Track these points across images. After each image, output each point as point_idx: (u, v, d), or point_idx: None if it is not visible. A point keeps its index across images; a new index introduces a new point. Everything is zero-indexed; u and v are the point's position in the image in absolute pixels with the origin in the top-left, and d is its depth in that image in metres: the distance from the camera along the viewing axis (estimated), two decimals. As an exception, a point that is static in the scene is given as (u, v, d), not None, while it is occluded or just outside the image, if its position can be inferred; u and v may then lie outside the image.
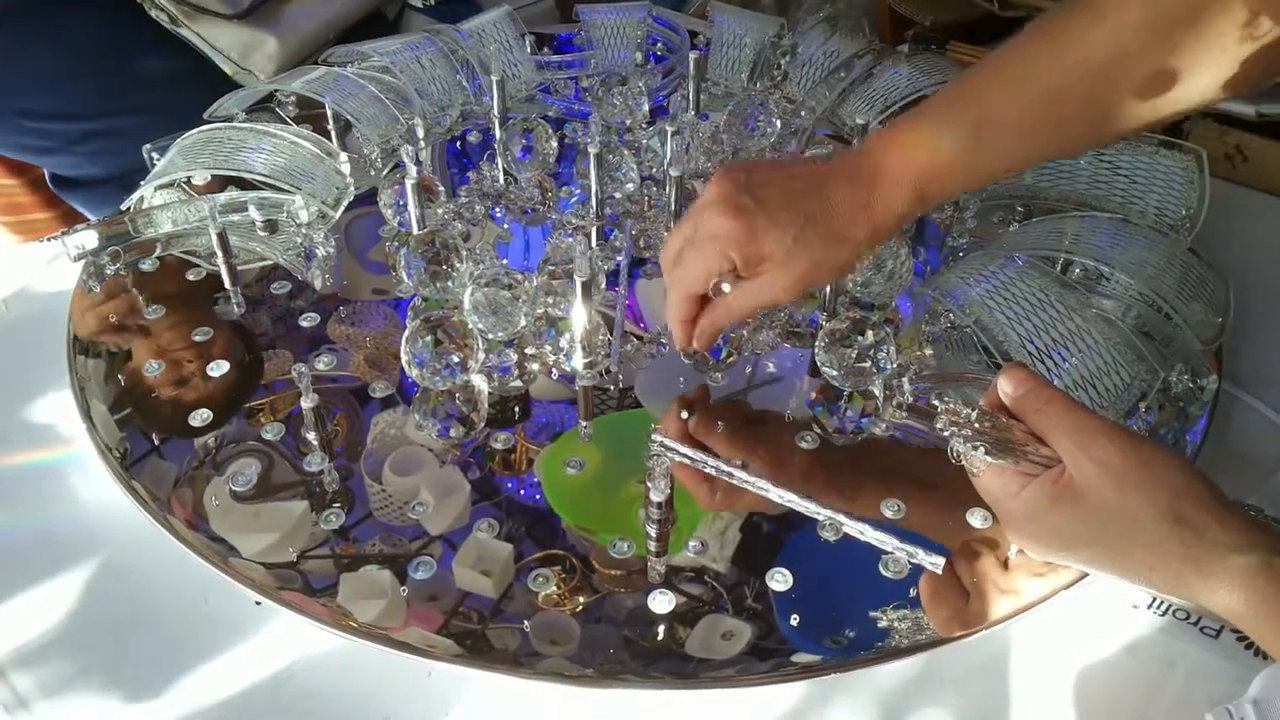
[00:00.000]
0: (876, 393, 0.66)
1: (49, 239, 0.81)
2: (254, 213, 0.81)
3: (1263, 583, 0.48)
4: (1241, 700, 0.51)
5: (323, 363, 0.75)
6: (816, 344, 0.67)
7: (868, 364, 0.66)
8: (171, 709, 0.57)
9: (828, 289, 0.74)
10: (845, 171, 0.64)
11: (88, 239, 0.81)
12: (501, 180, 0.91)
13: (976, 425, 0.54)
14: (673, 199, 0.76)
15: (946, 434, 0.55)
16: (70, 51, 1.05)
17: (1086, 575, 0.59)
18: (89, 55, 1.05)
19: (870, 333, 0.66)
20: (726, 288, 0.66)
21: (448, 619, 0.60)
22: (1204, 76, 0.58)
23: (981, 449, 0.54)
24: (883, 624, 0.59)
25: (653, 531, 0.61)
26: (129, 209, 0.85)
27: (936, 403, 0.56)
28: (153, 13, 1.06)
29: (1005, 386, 0.55)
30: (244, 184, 0.85)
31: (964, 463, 0.56)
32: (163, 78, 1.07)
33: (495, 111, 0.92)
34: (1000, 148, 0.63)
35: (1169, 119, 0.61)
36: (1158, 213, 0.79)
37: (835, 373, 0.67)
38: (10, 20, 1.03)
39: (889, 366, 0.66)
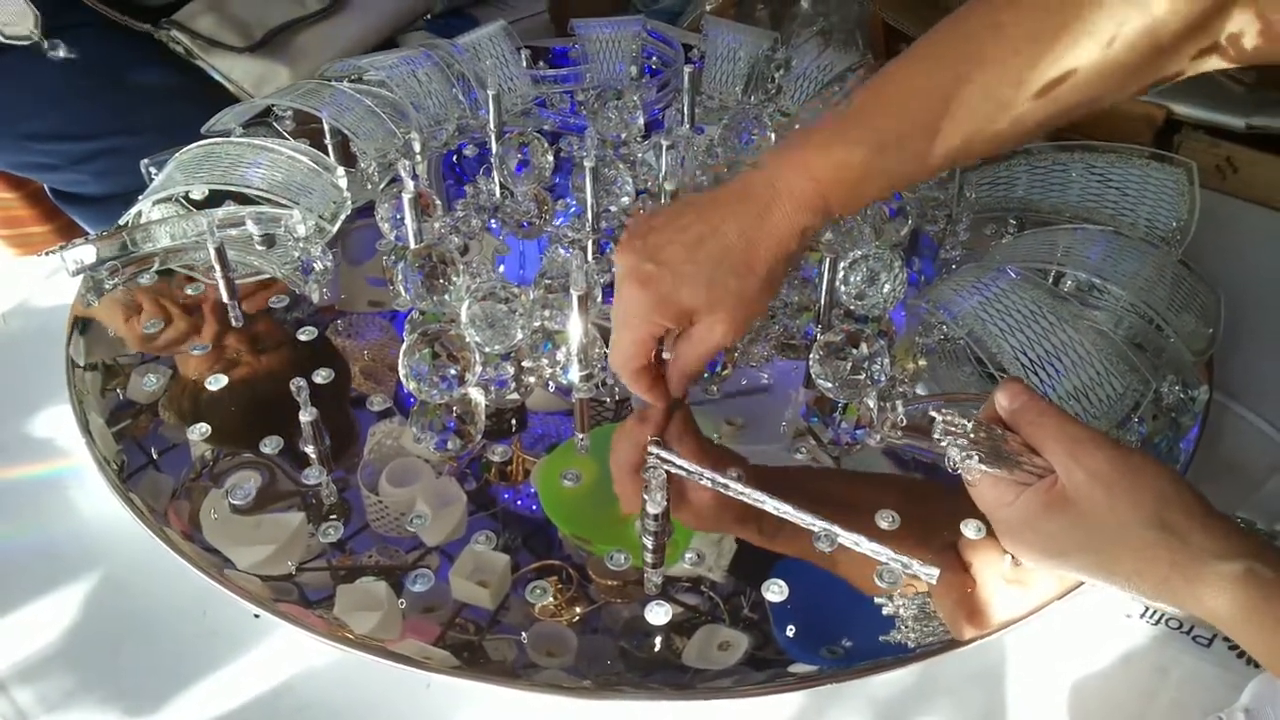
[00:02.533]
0: (871, 405, 0.67)
1: (47, 253, 0.82)
2: (251, 227, 0.81)
3: (1245, 589, 0.48)
4: (1233, 708, 0.51)
5: (320, 376, 0.75)
6: (811, 356, 0.68)
7: (862, 376, 0.67)
8: (170, 722, 0.58)
9: (821, 301, 0.75)
10: (738, 200, 0.64)
11: (86, 253, 0.81)
12: (498, 194, 0.92)
13: (972, 436, 0.55)
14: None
15: (944, 443, 0.56)
16: (70, 72, 1.05)
17: (1080, 585, 0.60)
18: (89, 75, 1.06)
19: (864, 345, 0.67)
20: (666, 355, 0.67)
21: (444, 630, 0.60)
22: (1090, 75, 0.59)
23: (976, 458, 0.55)
24: (879, 634, 0.59)
25: (649, 543, 0.61)
26: (127, 223, 0.85)
27: (935, 414, 0.56)
28: (172, 46, 1.08)
29: (1001, 400, 0.57)
30: (242, 198, 0.86)
31: (960, 472, 0.57)
32: (163, 94, 1.08)
33: (491, 126, 0.92)
34: (906, 151, 0.63)
35: (1065, 117, 0.62)
36: (1149, 225, 0.80)
37: (830, 385, 0.68)
38: (10, 44, 1.03)
39: (883, 379, 0.67)
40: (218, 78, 1.08)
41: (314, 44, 1.11)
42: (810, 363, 0.68)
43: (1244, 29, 0.58)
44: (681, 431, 0.71)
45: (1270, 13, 0.57)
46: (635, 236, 0.65)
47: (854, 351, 0.67)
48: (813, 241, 0.68)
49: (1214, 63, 0.61)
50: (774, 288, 0.67)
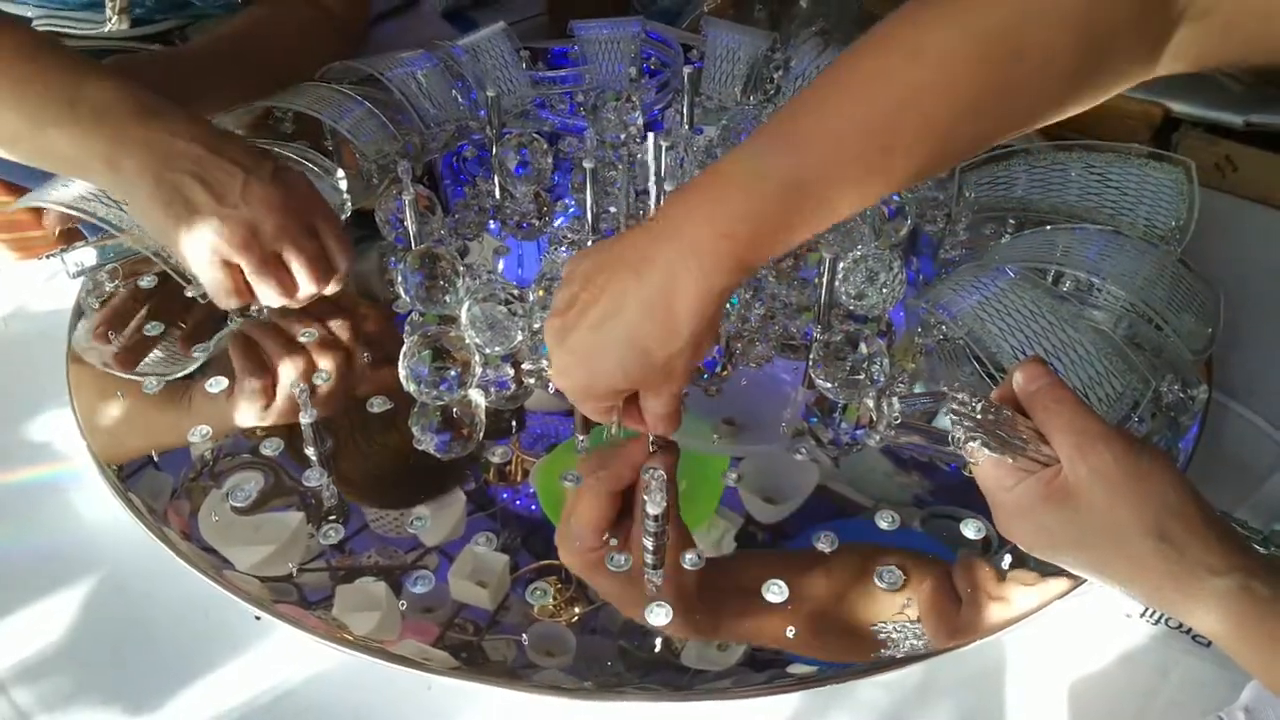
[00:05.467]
0: (870, 404, 0.67)
1: (47, 256, 0.82)
2: None
3: (1239, 605, 0.48)
4: (1233, 708, 0.51)
5: (321, 378, 0.75)
6: (811, 357, 0.68)
7: (862, 376, 0.67)
8: (170, 723, 0.58)
9: (820, 301, 0.75)
10: (640, 268, 0.57)
11: (86, 256, 0.81)
12: (497, 195, 0.92)
13: (980, 418, 0.55)
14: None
15: (951, 421, 0.56)
16: None
17: (1079, 586, 0.60)
18: None
19: (864, 345, 0.67)
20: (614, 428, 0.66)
21: (444, 631, 0.60)
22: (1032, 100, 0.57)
23: (980, 441, 0.55)
24: (878, 634, 0.59)
25: (649, 544, 0.61)
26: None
27: (946, 390, 0.56)
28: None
29: (1019, 379, 0.56)
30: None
31: (964, 452, 0.56)
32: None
33: (491, 127, 0.92)
34: (831, 193, 0.57)
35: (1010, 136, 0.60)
36: (1148, 224, 0.80)
37: (830, 385, 0.67)
38: None
39: (883, 379, 0.67)
40: None
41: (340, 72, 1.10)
42: (810, 363, 0.68)
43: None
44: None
45: None
46: (554, 316, 0.61)
47: (854, 352, 0.67)
48: (813, 242, 0.66)
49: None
50: (701, 347, 0.60)
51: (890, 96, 0.56)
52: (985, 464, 0.56)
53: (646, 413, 0.64)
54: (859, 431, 0.70)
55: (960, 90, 0.55)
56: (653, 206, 0.75)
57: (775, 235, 0.57)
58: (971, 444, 0.55)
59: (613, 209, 0.88)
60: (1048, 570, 0.61)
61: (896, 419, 0.63)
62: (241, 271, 0.72)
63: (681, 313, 0.57)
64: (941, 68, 0.55)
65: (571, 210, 0.91)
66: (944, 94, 0.55)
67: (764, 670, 0.58)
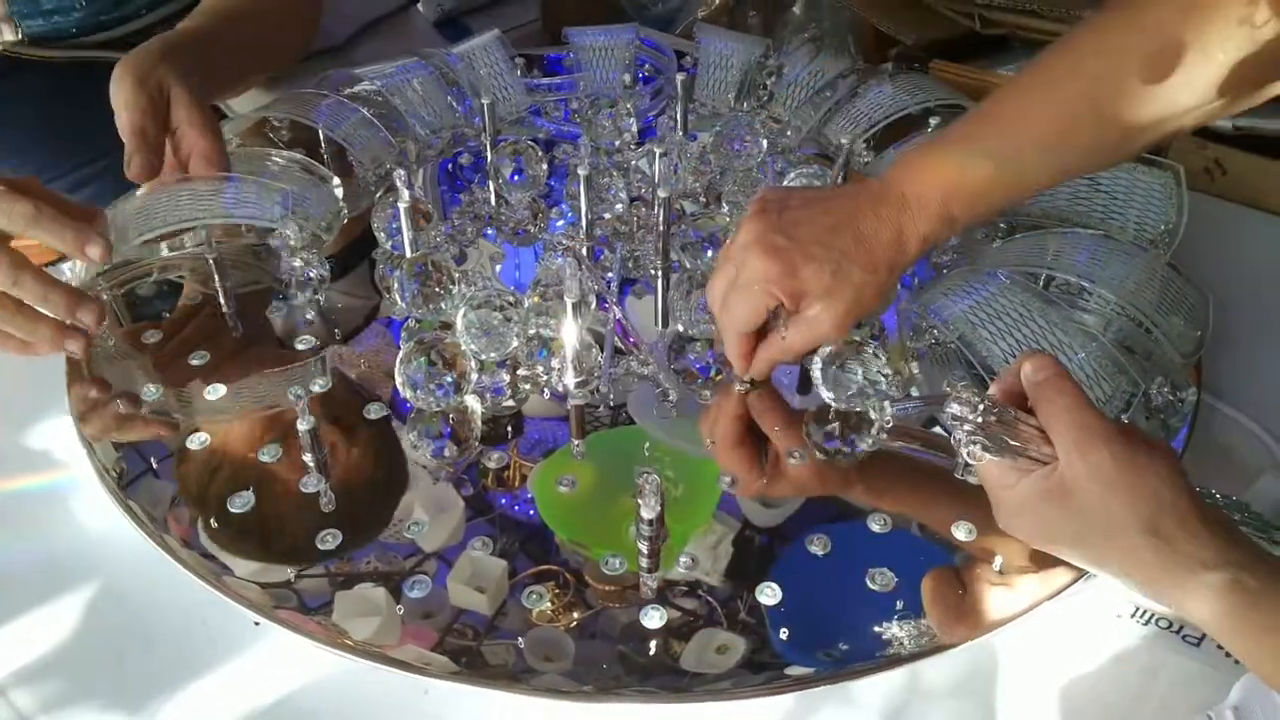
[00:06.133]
0: (873, 414, 0.67)
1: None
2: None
3: (1229, 599, 0.49)
4: (1222, 706, 0.52)
5: (318, 385, 0.76)
6: (812, 364, 0.68)
7: (864, 384, 0.67)
8: (171, 729, 0.58)
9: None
10: (872, 201, 0.66)
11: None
12: (493, 202, 0.92)
13: (981, 420, 0.55)
14: (661, 219, 0.77)
15: (950, 424, 0.56)
16: (54, 102, 1.06)
17: (1070, 586, 0.61)
18: (74, 103, 1.06)
19: (866, 352, 0.67)
20: (784, 333, 0.68)
21: (442, 636, 0.60)
22: (1207, 79, 0.60)
23: (979, 445, 0.55)
24: (873, 635, 0.60)
25: (644, 548, 0.61)
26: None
27: (949, 388, 0.57)
28: None
29: (1027, 368, 0.57)
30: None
31: (964, 455, 0.57)
32: None
33: (486, 134, 0.93)
34: (1025, 165, 0.66)
35: (1176, 129, 0.64)
36: (1137, 228, 0.81)
37: (831, 394, 0.67)
38: None
39: (885, 387, 0.67)
40: (222, 107, 1.09)
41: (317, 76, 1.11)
42: (811, 371, 0.68)
43: None
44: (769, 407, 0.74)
45: None
46: (769, 209, 0.67)
47: (855, 359, 0.66)
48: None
49: None
50: (888, 292, 0.69)
51: (1074, 85, 0.64)
52: (987, 462, 0.57)
53: (777, 343, 0.68)
54: (855, 438, 0.70)
55: (1128, 82, 0.61)
56: (657, 211, 0.76)
57: (980, 193, 0.66)
58: (972, 447, 0.56)
59: (607, 215, 0.88)
60: (1039, 571, 0.62)
61: (889, 423, 0.63)
62: None
63: (895, 246, 0.66)
64: (1115, 61, 0.62)
65: (566, 217, 0.92)
66: (1115, 84, 0.62)
67: (762, 672, 0.59)
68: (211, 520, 0.66)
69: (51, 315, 0.71)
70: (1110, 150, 0.67)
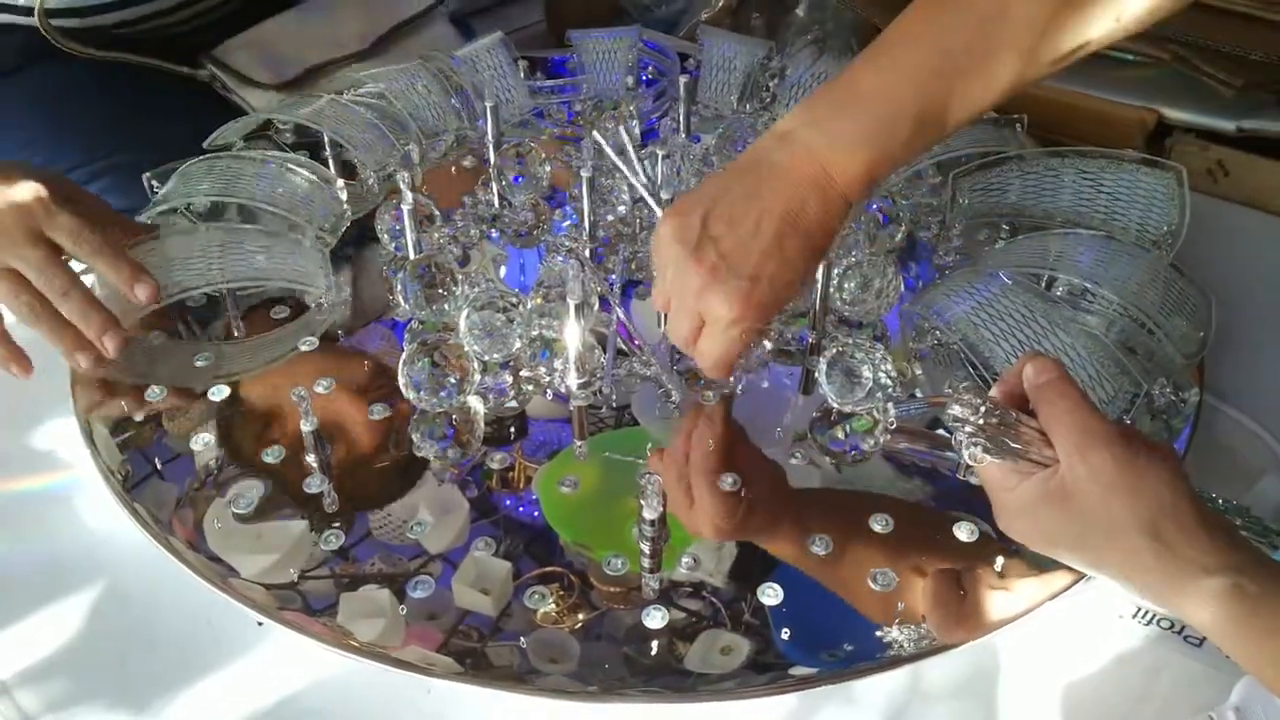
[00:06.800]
0: (877, 416, 0.67)
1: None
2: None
3: (1228, 603, 0.49)
4: (1223, 707, 0.52)
5: (322, 386, 0.76)
6: (817, 366, 0.67)
7: (871, 386, 0.67)
8: (176, 729, 0.58)
9: (816, 307, 0.75)
10: (795, 184, 0.63)
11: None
12: (496, 204, 0.93)
13: (983, 423, 0.55)
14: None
15: (950, 426, 0.56)
16: (76, 93, 1.06)
17: (1072, 587, 0.61)
18: (97, 94, 1.07)
19: (870, 353, 0.67)
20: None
21: (447, 637, 0.61)
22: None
23: (980, 448, 0.55)
24: (875, 636, 0.60)
25: (646, 548, 0.62)
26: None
27: (950, 390, 0.57)
28: (214, 84, 1.11)
29: (1029, 371, 0.56)
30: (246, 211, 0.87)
31: (965, 457, 0.57)
32: (172, 111, 1.09)
33: (489, 137, 0.93)
34: (924, 125, 0.63)
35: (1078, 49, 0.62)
36: (1140, 229, 0.81)
37: (836, 396, 0.67)
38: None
39: (891, 388, 0.67)
40: (245, 108, 1.10)
41: (344, 82, 1.11)
42: (816, 373, 0.68)
43: None
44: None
45: None
46: (691, 210, 0.64)
47: (859, 361, 0.66)
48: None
49: None
50: (812, 267, 0.67)
51: (973, 42, 0.61)
52: (988, 464, 0.57)
53: (709, 333, 0.65)
54: (857, 438, 0.70)
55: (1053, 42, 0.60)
56: (656, 210, 0.76)
57: (898, 156, 0.64)
58: (973, 449, 0.56)
59: (610, 217, 0.88)
60: (1041, 571, 0.62)
61: (892, 424, 0.63)
62: None
63: (814, 228, 0.63)
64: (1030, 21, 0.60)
65: (569, 219, 0.92)
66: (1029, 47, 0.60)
67: (765, 673, 0.59)
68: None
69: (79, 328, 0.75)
70: (1015, 81, 0.63)
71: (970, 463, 0.57)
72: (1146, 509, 0.51)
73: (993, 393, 0.58)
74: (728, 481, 0.67)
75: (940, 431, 0.71)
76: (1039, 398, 0.56)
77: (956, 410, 0.56)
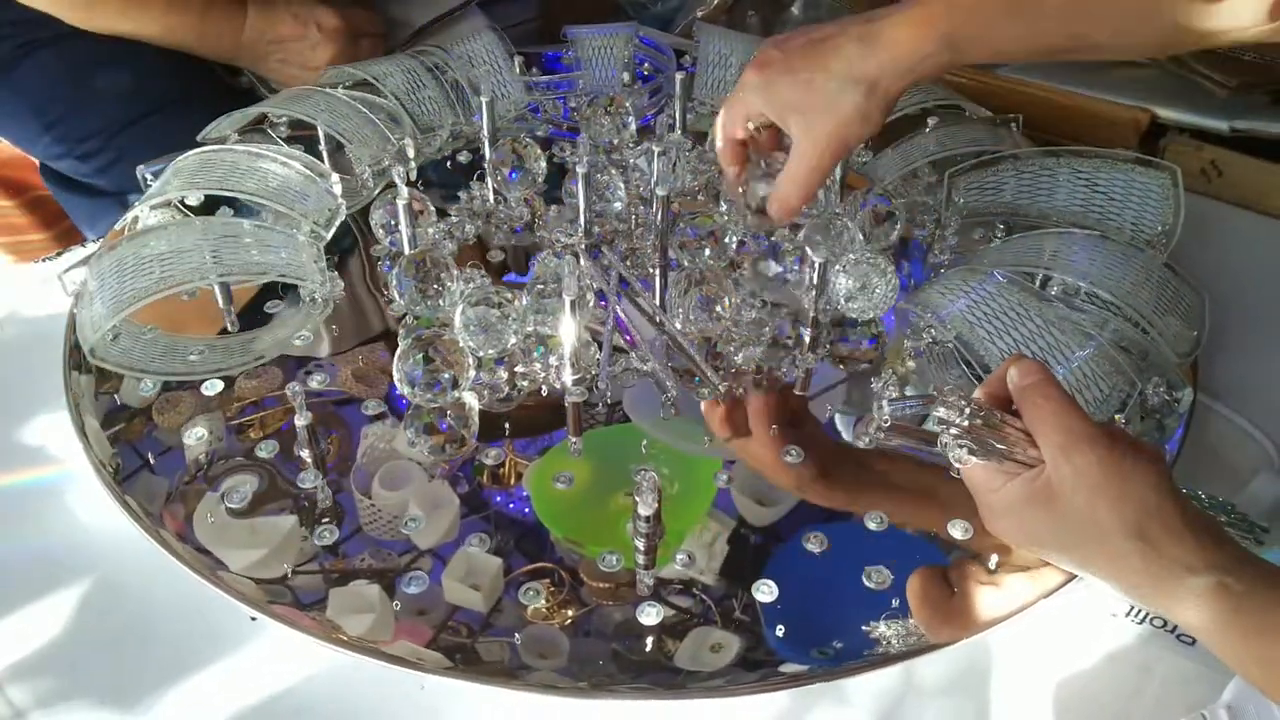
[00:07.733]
0: (873, 412, 0.67)
1: (45, 259, 0.82)
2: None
3: (1214, 602, 0.49)
4: (1215, 705, 0.52)
5: (315, 380, 0.76)
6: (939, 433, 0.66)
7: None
8: (166, 723, 0.58)
9: (813, 305, 0.75)
10: (872, 20, 0.68)
11: (84, 274, 0.81)
12: (491, 200, 0.92)
13: (968, 424, 0.55)
14: (659, 218, 0.77)
15: (937, 429, 0.56)
16: (95, 70, 1.06)
17: (1065, 585, 0.61)
18: (111, 73, 1.07)
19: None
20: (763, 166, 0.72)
21: (437, 633, 0.60)
22: None
23: (966, 449, 0.55)
24: (867, 633, 0.60)
25: (640, 545, 0.62)
26: (123, 229, 0.86)
27: (935, 392, 0.56)
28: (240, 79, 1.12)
29: (1013, 373, 0.56)
30: (237, 204, 0.86)
31: (950, 455, 0.57)
32: (181, 99, 1.08)
33: (485, 132, 0.93)
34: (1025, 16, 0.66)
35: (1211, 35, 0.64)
36: (1134, 228, 0.81)
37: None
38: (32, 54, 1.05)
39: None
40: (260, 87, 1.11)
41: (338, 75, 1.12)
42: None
43: None
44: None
45: None
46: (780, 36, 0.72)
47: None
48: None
49: None
50: (871, 117, 0.69)
51: None
52: (973, 466, 0.57)
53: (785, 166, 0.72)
54: (849, 435, 0.71)
55: None
56: (655, 210, 0.76)
57: (988, 26, 0.66)
58: (958, 450, 0.55)
59: (605, 213, 0.88)
60: (1033, 570, 0.62)
61: (886, 422, 0.63)
62: None
63: (881, 60, 0.67)
64: None
65: (565, 215, 0.92)
66: None
67: (756, 670, 0.59)
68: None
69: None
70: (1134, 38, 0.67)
71: (955, 464, 0.57)
72: (1132, 511, 0.51)
73: (977, 394, 0.58)
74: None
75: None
76: (1024, 399, 0.55)
77: (941, 411, 0.56)
